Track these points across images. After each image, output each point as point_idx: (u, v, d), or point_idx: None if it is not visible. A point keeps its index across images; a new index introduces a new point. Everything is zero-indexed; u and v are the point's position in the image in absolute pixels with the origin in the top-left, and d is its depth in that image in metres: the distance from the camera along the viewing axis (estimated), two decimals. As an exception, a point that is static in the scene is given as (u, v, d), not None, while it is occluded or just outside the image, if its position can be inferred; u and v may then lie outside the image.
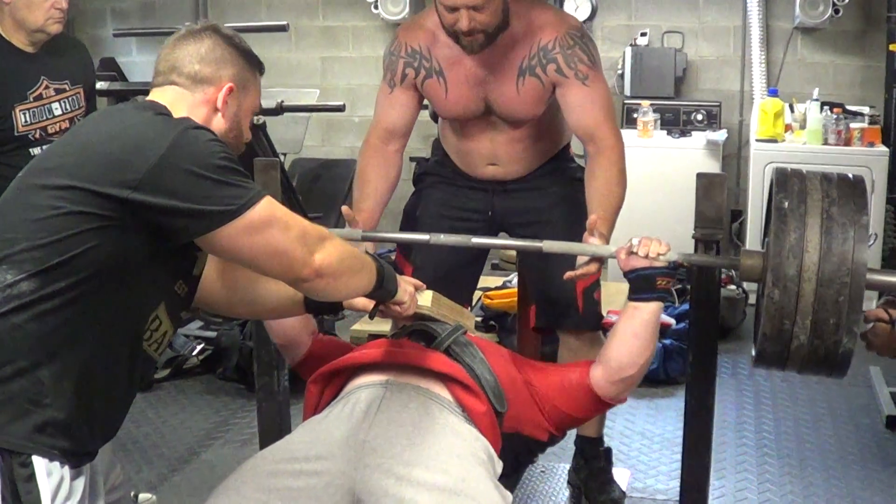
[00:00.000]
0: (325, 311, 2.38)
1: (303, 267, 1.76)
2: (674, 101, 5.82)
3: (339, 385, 2.26)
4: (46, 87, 3.16)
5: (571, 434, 2.93)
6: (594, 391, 2.32)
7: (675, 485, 2.80)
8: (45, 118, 3.16)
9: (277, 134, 4.81)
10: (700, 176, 2.41)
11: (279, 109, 4.45)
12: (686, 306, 4.33)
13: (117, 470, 2.01)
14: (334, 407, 2.16)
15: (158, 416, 4.04)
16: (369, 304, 2.14)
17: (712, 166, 5.34)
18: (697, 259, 2.34)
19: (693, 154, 5.45)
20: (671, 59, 5.85)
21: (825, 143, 5.21)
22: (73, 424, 1.67)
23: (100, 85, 3.72)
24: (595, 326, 2.92)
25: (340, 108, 4.87)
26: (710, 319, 2.41)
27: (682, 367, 4.15)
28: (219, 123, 1.87)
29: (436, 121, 3.41)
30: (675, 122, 5.71)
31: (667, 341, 4.27)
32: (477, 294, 4.52)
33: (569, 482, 3.19)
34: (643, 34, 5.92)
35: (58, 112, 3.19)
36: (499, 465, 2.12)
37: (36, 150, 3.11)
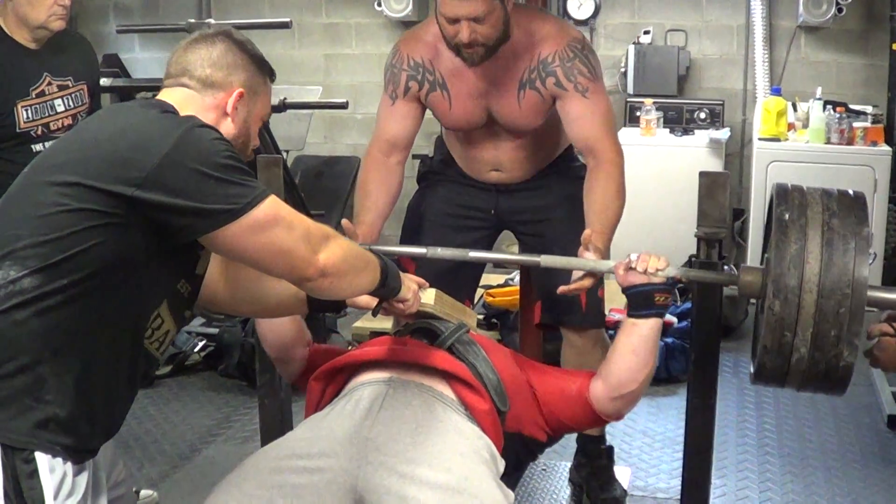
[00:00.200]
0: (328, 308, 2.38)
1: (307, 266, 1.76)
2: (677, 100, 5.82)
3: (341, 382, 2.26)
4: (49, 84, 3.15)
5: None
6: (592, 407, 2.32)
7: (677, 483, 2.80)
8: (47, 115, 3.15)
9: (280, 131, 4.81)
10: (703, 174, 2.41)
11: (282, 106, 4.44)
12: (688, 305, 4.34)
13: (120, 466, 2.01)
14: (337, 404, 2.15)
15: (160, 412, 4.04)
16: (372, 301, 2.14)
17: (715, 165, 5.34)
18: (696, 275, 2.33)
19: (696, 152, 5.44)
20: (674, 57, 5.85)
21: (828, 142, 5.20)
22: (75, 421, 1.67)
23: (102, 81, 3.72)
24: (598, 324, 2.92)
25: (343, 106, 4.86)
26: (712, 318, 2.41)
27: (684, 366, 4.15)
28: (228, 128, 1.87)
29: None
30: (678, 121, 5.71)
31: (668, 340, 4.27)
32: (479, 292, 4.52)
33: (570, 480, 3.19)
34: (646, 32, 5.91)
35: (60, 109, 3.18)
36: (501, 464, 2.12)
37: (38, 147, 3.11)
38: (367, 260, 1.96)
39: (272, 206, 1.72)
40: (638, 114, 5.63)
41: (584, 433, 3.07)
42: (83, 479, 1.72)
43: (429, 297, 2.26)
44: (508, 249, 5.68)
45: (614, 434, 3.63)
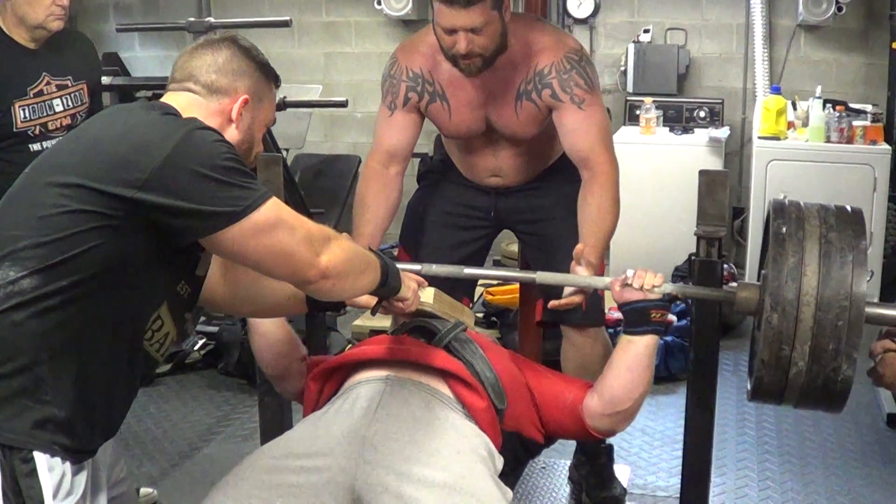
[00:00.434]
0: (327, 307, 2.38)
1: (309, 269, 1.76)
2: (676, 98, 5.83)
3: (338, 381, 2.26)
4: (48, 84, 3.15)
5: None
6: (584, 422, 2.32)
7: (676, 482, 2.80)
8: (45, 114, 3.15)
9: (280, 129, 4.80)
10: (702, 173, 2.41)
11: (282, 105, 4.44)
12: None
13: (121, 464, 2.01)
14: (334, 403, 2.15)
15: (160, 410, 4.05)
16: (371, 300, 2.13)
17: (714, 163, 5.34)
18: (693, 292, 2.33)
19: (695, 151, 5.44)
20: (674, 55, 5.85)
21: (827, 140, 5.20)
22: (74, 422, 1.67)
23: (102, 80, 3.72)
24: (598, 322, 2.92)
25: (343, 104, 4.86)
26: (712, 316, 2.41)
27: (684, 364, 4.15)
28: (232, 134, 1.87)
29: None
30: (678, 119, 5.71)
31: (668, 338, 4.27)
32: (479, 290, 4.52)
33: (570, 478, 3.19)
34: (646, 31, 5.92)
35: (59, 108, 3.18)
36: (499, 462, 2.12)
37: (36, 147, 3.10)
38: (368, 260, 1.96)
39: (273, 208, 1.71)
40: (638, 112, 5.63)
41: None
42: (82, 478, 1.72)
43: (427, 295, 2.27)
44: (508, 248, 5.70)
45: (614, 432, 3.63)
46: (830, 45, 5.79)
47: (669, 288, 2.27)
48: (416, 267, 2.49)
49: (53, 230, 1.64)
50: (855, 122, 5.18)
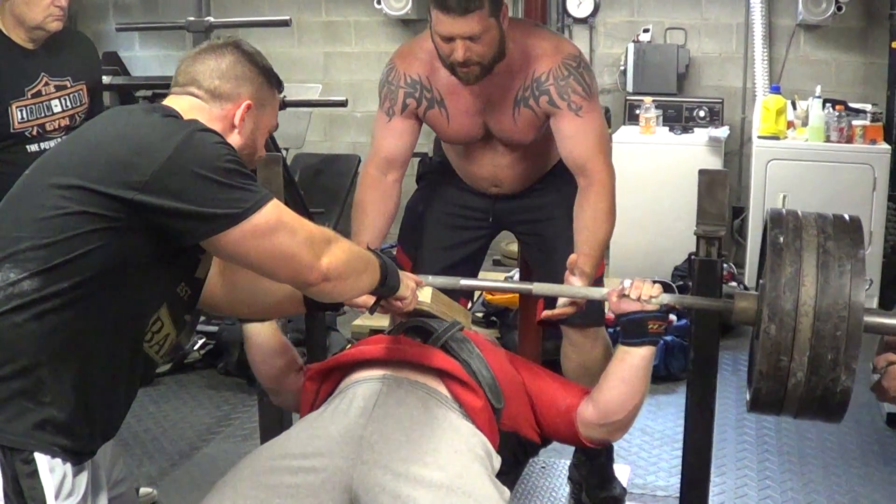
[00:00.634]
0: (325, 308, 2.38)
1: (310, 271, 1.76)
2: (676, 98, 5.83)
3: (335, 381, 2.25)
4: (46, 84, 3.13)
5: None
6: (577, 430, 2.32)
7: (676, 481, 2.80)
8: (43, 115, 3.13)
9: (280, 129, 4.76)
10: (702, 172, 2.41)
11: (281, 105, 4.42)
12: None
13: (120, 464, 2.01)
14: (331, 403, 2.15)
15: (160, 410, 4.05)
16: (369, 299, 2.13)
17: (714, 163, 5.34)
18: (691, 302, 2.33)
19: (695, 150, 5.44)
20: (674, 55, 5.85)
21: (827, 140, 5.20)
22: (73, 423, 1.67)
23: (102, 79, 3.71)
24: (597, 321, 2.92)
25: (343, 104, 4.86)
26: (712, 316, 2.40)
27: (684, 364, 4.15)
28: (234, 140, 1.86)
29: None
30: (678, 119, 5.71)
31: (668, 338, 4.27)
32: (478, 290, 4.51)
33: (569, 478, 3.19)
34: (646, 30, 5.92)
35: (57, 109, 3.16)
36: (497, 461, 2.12)
37: (33, 147, 3.09)
38: (368, 260, 1.96)
39: (274, 210, 1.71)
40: (637, 112, 5.62)
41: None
42: (83, 478, 1.72)
43: (425, 295, 2.26)
44: (508, 248, 5.70)
45: (613, 432, 3.63)
46: (830, 45, 5.79)
47: (667, 299, 2.26)
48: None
49: (54, 232, 1.64)
50: (854, 122, 5.18)
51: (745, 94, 5.94)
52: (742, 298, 2.17)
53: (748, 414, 3.88)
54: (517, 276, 3.89)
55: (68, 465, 1.68)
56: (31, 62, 3.11)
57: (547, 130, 2.77)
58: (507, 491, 2.00)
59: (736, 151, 5.97)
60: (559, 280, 2.56)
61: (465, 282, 2.55)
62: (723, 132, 5.56)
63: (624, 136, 5.53)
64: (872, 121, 5.22)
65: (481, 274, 3.22)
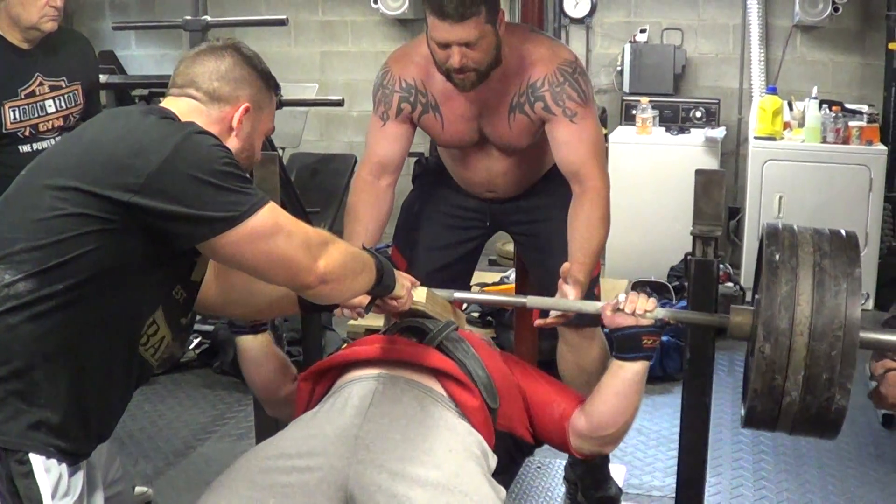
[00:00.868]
0: (320, 309, 2.37)
1: (307, 274, 1.75)
2: (673, 98, 5.83)
3: (330, 381, 2.25)
4: (40, 84, 3.12)
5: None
6: (568, 440, 2.32)
7: (672, 481, 2.80)
8: (36, 115, 3.11)
9: (276, 128, 4.80)
10: (698, 172, 2.40)
11: (278, 104, 4.44)
12: (683, 303, 4.33)
13: (116, 464, 2.01)
14: (326, 402, 2.15)
15: (155, 409, 4.04)
16: (364, 299, 2.13)
17: (711, 163, 5.34)
18: (686, 316, 2.33)
19: (691, 151, 5.44)
20: (670, 55, 5.86)
21: (824, 141, 5.20)
22: (68, 425, 1.67)
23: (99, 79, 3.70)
24: (593, 322, 2.90)
25: (339, 103, 4.86)
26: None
27: (679, 364, 4.15)
28: (232, 143, 1.86)
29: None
30: (674, 119, 5.71)
31: (664, 338, 4.26)
32: (475, 289, 4.51)
33: (565, 478, 3.19)
34: (642, 31, 5.92)
35: (51, 110, 3.14)
36: (493, 460, 2.11)
37: (26, 148, 3.07)
38: (364, 261, 1.96)
39: (271, 213, 1.71)
40: (634, 112, 5.63)
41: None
42: (78, 478, 1.72)
43: (420, 295, 2.27)
44: (504, 248, 5.70)
45: (609, 432, 3.63)
46: (827, 46, 5.80)
47: (662, 313, 2.26)
48: None
49: (49, 233, 1.63)
50: (851, 123, 5.18)
51: (742, 95, 5.95)
52: (737, 313, 2.17)
53: (744, 414, 3.92)
54: (513, 276, 3.89)
55: (63, 466, 1.68)
56: (26, 62, 3.10)
57: (542, 136, 2.76)
58: (503, 490, 2.00)
59: (732, 152, 5.97)
60: (555, 279, 2.56)
61: (459, 294, 2.54)
62: (719, 133, 5.56)
63: (620, 137, 5.53)
64: (869, 122, 5.23)
65: (477, 274, 3.22)
